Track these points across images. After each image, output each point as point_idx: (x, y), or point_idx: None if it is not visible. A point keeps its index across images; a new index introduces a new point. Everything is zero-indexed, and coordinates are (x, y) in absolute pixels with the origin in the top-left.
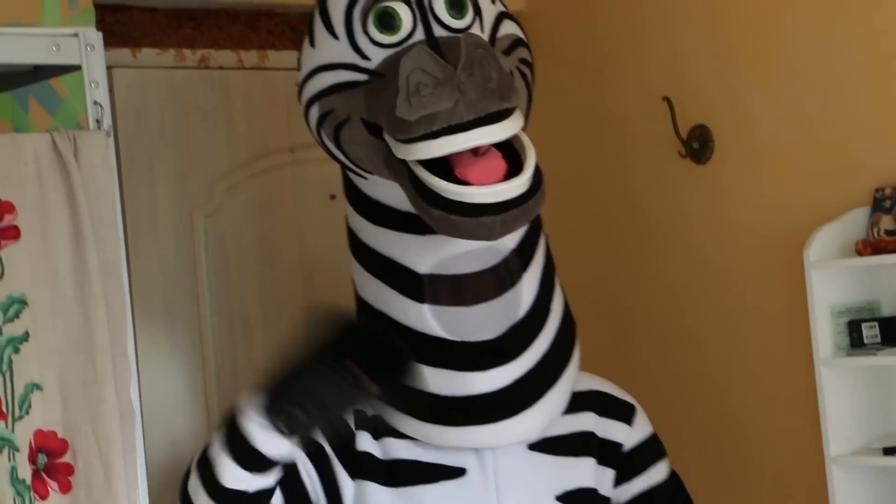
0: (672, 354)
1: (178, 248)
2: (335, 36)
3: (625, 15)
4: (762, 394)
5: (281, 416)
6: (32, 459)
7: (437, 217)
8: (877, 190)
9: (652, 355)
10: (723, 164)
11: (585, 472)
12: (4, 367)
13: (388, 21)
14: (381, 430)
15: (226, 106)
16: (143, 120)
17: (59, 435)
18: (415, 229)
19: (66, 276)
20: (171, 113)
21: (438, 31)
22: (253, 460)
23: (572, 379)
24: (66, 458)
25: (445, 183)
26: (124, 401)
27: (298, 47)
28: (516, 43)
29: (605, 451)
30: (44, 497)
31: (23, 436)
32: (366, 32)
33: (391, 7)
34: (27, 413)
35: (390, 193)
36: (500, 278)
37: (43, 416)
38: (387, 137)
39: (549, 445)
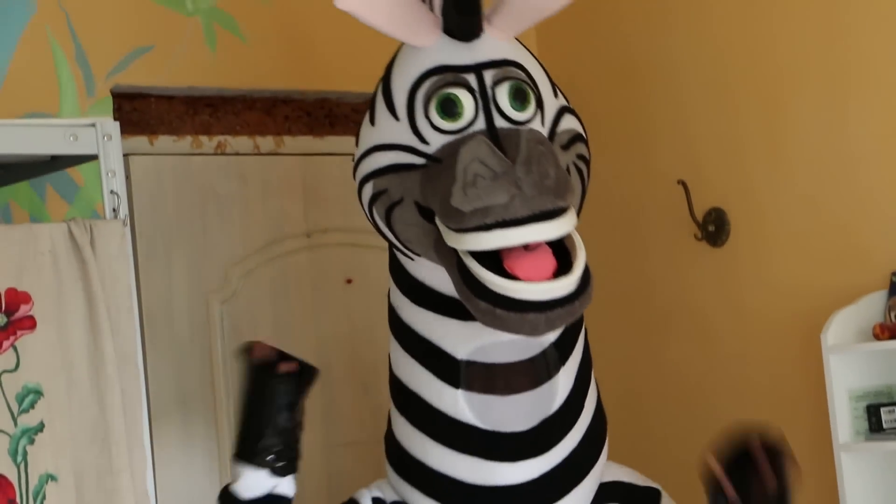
0: (687, 439)
1: (193, 335)
2: (396, 117)
3: (637, 100)
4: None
5: (253, 452)
6: None
7: (483, 309)
8: (893, 273)
9: (666, 439)
10: (738, 246)
11: None
12: (19, 458)
13: (450, 108)
14: None
15: (242, 191)
16: (159, 206)
17: None
18: (457, 314)
19: (82, 365)
20: (188, 199)
21: (499, 122)
22: None
23: (599, 474)
24: None
25: (494, 276)
26: (140, 491)
27: (314, 133)
28: (575, 138)
29: None
30: None
31: None
32: (427, 117)
33: (455, 94)
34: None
35: (435, 276)
36: (537, 370)
37: None
38: (438, 223)
39: None
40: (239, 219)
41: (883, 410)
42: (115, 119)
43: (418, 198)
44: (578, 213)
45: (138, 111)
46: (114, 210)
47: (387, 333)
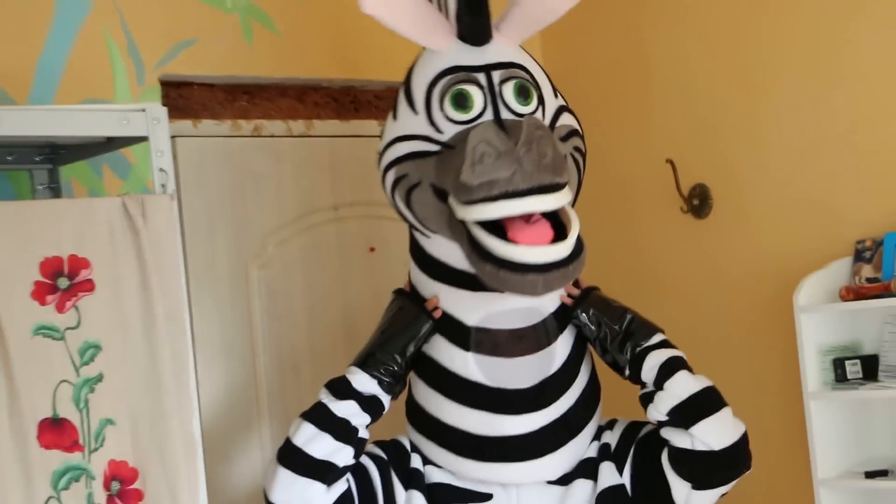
0: None
1: (234, 297)
2: (415, 111)
3: (633, 84)
4: (756, 424)
5: (371, 363)
6: (107, 486)
7: (488, 271)
8: (858, 242)
9: None
10: (720, 218)
11: (587, 491)
12: (81, 404)
13: (462, 101)
14: (426, 458)
15: (276, 169)
16: (202, 182)
17: (130, 464)
18: (467, 286)
19: (136, 323)
20: (228, 176)
21: (505, 114)
22: (343, 421)
23: (592, 433)
24: (136, 485)
25: (497, 241)
26: (188, 433)
27: (340, 117)
28: (572, 133)
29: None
30: None
31: (98, 465)
32: (442, 109)
33: (466, 90)
34: (102, 445)
35: (449, 253)
36: (538, 336)
37: (116, 447)
38: (450, 201)
39: (563, 479)
40: (273, 194)
41: (847, 363)
42: (163, 105)
43: (434, 180)
44: (575, 201)
45: (183, 97)
46: (162, 186)
47: None
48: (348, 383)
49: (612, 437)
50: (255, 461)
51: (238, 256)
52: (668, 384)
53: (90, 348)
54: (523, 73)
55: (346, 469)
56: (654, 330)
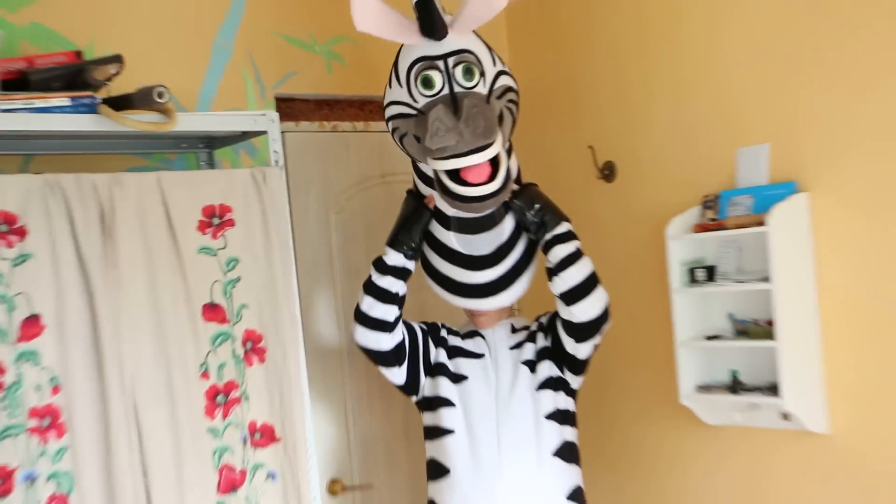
0: None
1: (319, 231)
2: (400, 85)
3: (566, 93)
4: (643, 308)
5: (396, 243)
6: (243, 344)
7: (449, 202)
8: (705, 196)
9: None
10: (622, 183)
11: (531, 349)
12: (227, 295)
13: (428, 83)
14: (448, 330)
15: (345, 152)
16: (300, 161)
17: (257, 332)
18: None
19: (260, 246)
20: (316, 157)
21: (458, 89)
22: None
23: (529, 280)
24: (261, 345)
25: (452, 184)
26: (292, 314)
27: (386, 120)
28: (507, 90)
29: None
30: (250, 364)
31: (238, 332)
32: (416, 87)
33: (430, 75)
34: (240, 320)
35: (432, 172)
36: (493, 221)
37: (248, 321)
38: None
39: (517, 346)
40: (344, 168)
41: (697, 271)
42: (277, 111)
43: (415, 132)
44: (511, 134)
45: (289, 107)
46: (276, 161)
47: None
48: (384, 262)
49: (545, 319)
50: (333, 327)
51: (322, 206)
52: (562, 273)
53: (232, 261)
54: (470, 57)
55: (397, 320)
56: (562, 220)
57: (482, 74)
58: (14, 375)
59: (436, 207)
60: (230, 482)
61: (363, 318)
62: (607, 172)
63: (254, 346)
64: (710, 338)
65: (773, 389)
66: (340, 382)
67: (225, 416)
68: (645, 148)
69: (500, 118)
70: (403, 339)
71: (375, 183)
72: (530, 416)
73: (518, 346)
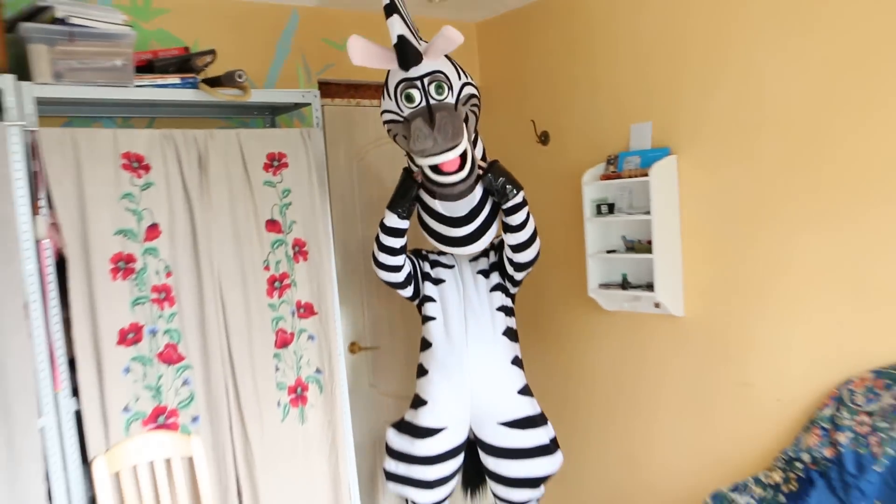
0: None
1: (348, 175)
2: (390, 98)
3: (516, 82)
4: (565, 233)
5: (393, 207)
6: (293, 248)
7: (430, 189)
8: (609, 156)
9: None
10: (553, 147)
11: (485, 262)
12: (282, 214)
13: (409, 98)
14: (429, 252)
15: (364, 120)
16: (334, 125)
17: (302, 239)
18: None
19: (305, 182)
20: (345, 123)
21: (433, 101)
22: (391, 236)
23: (494, 232)
24: (305, 248)
25: (433, 174)
26: (326, 228)
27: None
28: (470, 97)
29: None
30: (297, 262)
31: (289, 239)
32: (401, 101)
33: (411, 92)
34: (291, 231)
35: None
36: (467, 190)
37: (297, 232)
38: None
39: (474, 259)
40: (363, 131)
41: (601, 206)
42: (318, 91)
43: (402, 133)
44: (476, 129)
45: (327, 88)
46: (317, 125)
47: None
48: (385, 224)
49: (496, 241)
50: (356, 235)
51: (348, 157)
52: (514, 233)
53: (286, 191)
54: (440, 76)
55: (404, 263)
56: (518, 189)
57: (450, 88)
58: (141, 263)
59: (423, 182)
60: (283, 340)
61: (380, 266)
62: (543, 139)
63: (300, 250)
64: (609, 251)
65: (650, 286)
66: (359, 276)
67: (280, 296)
68: (569, 122)
69: (466, 119)
70: (410, 271)
71: (385, 142)
72: (486, 309)
73: (475, 259)
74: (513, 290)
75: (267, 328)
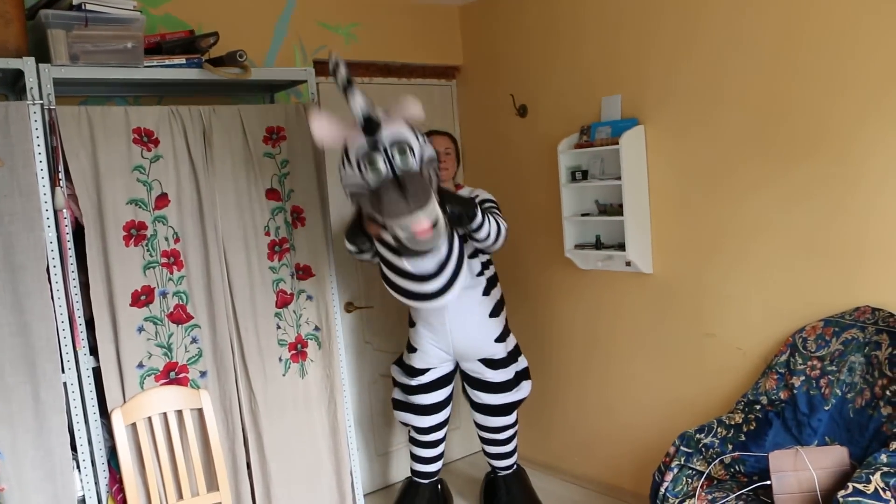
0: (508, 193)
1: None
2: (352, 167)
3: (497, 59)
4: (543, 197)
5: (351, 242)
6: (292, 214)
7: (405, 252)
8: (582, 126)
9: (503, 192)
10: (531, 119)
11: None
12: (280, 183)
13: (373, 163)
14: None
15: (365, 91)
16: (328, 100)
17: (300, 206)
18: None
19: (302, 154)
20: (338, 98)
21: (397, 167)
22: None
23: (464, 281)
24: (303, 215)
25: (406, 239)
26: (322, 196)
27: (383, 75)
28: (431, 161)
29: None
30: (295, 227)
31: (288, 207)
32: (364, 168)
33: (375, 159)
34: (289, 198)
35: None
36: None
37: (295, 200)
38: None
39: (461, 239)
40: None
41: (576, 173)
42: (313, 69)
43: (371, 202)
44: (441, 181)
45: (321, 67)
46: (312, 100)
47: None
48: (348, 248)
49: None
50: (350, 203)
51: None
52: (476, 243)
53: (284, 161)
54: (403, 143)
55: (374, 253)
56: (473, 211)
57: (412, 152)
58: (152, 230)
59: (382, 238)
60: (283, 300)
61: (351, 252)
62: (522, 112)
63: (298, 216)
64: (583, 215)
65: (621, 246)
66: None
67: (280, 259)
68: (546, 96)
69: (430, 180)
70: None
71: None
72: (467, 269)
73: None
74: (485, 257)
75: (268, 289)
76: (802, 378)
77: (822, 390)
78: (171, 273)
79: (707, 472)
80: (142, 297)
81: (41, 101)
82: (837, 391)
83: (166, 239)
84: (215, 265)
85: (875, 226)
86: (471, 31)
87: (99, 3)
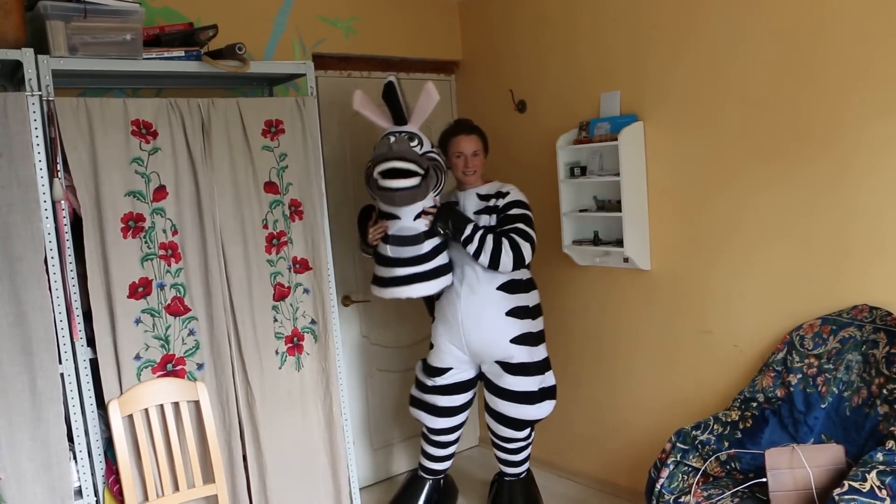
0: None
1: (338, 139)
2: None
3: (496, 56)
4: (546, 190)
5: (365, 250)
6: (289, 208)
7: (378, 194)
8: (581, 122)
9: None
10: (530, 114)
11: (485, 220)
12: (279, 177)
13: (388, 139)
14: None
15: (354, 87)
16: (327, 94)
17: (298, 200)
18: (388, 217)
19: (300, 147)
20: (337, 92)
21: (398, 137)
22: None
23: (445, 281)
24: (301, 208)
25: (382, 179)
26: (320, 189)
27: (380, 69)
28: (432, 157)
29: None
30: (293, 220)
31: (286, 200)
32: (380, 145)
33: (390, 137)
34: (287, 192)
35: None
36: (416, 238)
37: (293, 193)
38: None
39: (476, 214)
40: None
41: (574, 169)
42: (312, 63)
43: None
44: (438, 184)
45: (321, 61)
46: (311, 94)
47: None
48: (363, 252)
49: (501, 203)
50: (347, 195)
51: (339, 123)
52: (469, 248)
53: (283, 155)
54: (415, 134)
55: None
56: (463, 225)
57: (420, 143)
58: (150, 222)
59: (384, 235)
60: (281, 293)
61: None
62: (521, 107)
63: (296, 209)
64: (581, 210)
65: (619, 243)
66: (350, 234)
67: (277, 252)
68: (545, 92)
69: (428, 170)
70: None
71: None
72: (481, 267)
73: (477, 213)
74: None
75: (266, 282)
76: (799, 376)
77: (819, 388)
78: (169, 265)
79: (703, 468)
80: (139, 289)
81: (40, 93)
82: (834, 389)
83: (164, 231)
84: (213, 258)
85: (873, 224)
86: (470, 26)
87: None
